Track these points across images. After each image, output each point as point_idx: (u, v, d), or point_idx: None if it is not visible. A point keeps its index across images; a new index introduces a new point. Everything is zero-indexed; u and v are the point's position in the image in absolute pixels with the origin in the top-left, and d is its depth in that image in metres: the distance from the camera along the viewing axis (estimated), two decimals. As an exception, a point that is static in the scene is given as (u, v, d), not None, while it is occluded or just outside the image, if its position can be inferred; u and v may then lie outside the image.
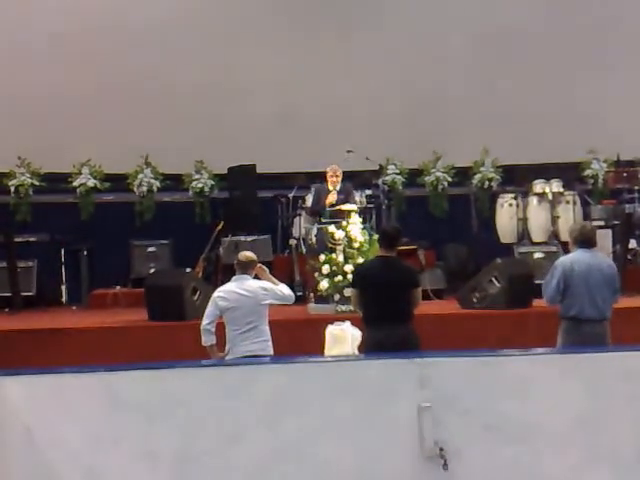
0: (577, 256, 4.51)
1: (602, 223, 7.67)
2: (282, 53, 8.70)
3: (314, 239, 6.61)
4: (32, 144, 8.26)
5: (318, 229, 6.60)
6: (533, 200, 7.86)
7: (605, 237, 7.77)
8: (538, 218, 7.80)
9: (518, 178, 8.29)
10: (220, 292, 4.71)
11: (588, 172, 8.81)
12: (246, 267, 4.67)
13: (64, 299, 7.92)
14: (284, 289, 4.72)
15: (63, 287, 7.91)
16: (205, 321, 4.64)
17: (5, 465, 3.41)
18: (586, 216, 7.84)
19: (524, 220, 7.85)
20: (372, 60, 8.75)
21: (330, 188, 6.94)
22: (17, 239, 7.67)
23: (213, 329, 4.63)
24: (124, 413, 3.50)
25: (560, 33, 8.78)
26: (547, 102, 8.65)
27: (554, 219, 7.75)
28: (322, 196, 7.01)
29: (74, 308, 7.64)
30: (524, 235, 7.88)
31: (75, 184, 8.47)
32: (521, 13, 8.79)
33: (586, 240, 4.55)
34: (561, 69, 8.72)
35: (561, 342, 4.47)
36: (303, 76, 8.71)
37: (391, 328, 4.31)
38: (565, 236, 7.65)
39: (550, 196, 7.75)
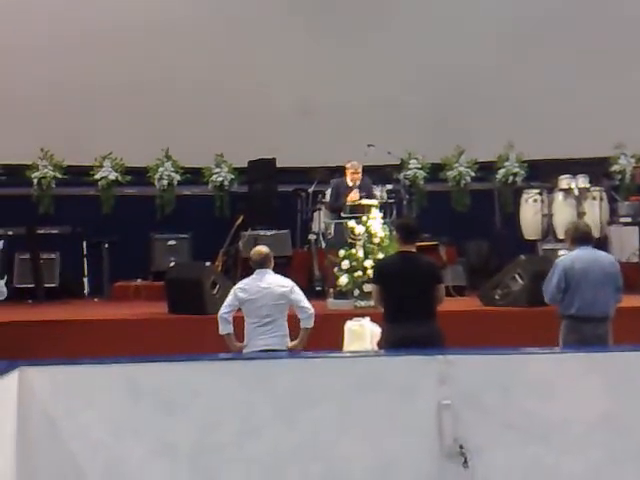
0: (577, 254, 4.44)
1: (629, 220, 7.54)
2: (301, 46, 8.66)
3: (334, 234, 6.57)
4: (54, 137, 8.31)
5: (338, 224, 6.56)
6: (559, 196, 7.74)
7: (631, 234, 7.64)
8: (563, 214, 7.67)
9: (543, 173, 8.17)
10: (241, 284, 4.71)
11: (615, 167, 8.65)
12: (262, 262, 4.65)
13: (86, 291, 7.98)
14: (309, 309, 4.61)
15: (85, 279, 7.97)
16: (223, 310, 4.63)
17: (29, 454, 3.44)
18: (613, 212, 7.71)
19: (549, 216, 7.74)
20: (393, 52, 8.66)
21: (350, 184, 6.89)
22: (40, 231, 7.74)
23: (230, 318, 4.61)
24: (144, 405, 3.51)
25: (588, 27, 8.61)
26: (574, 96, 8.49)
27: (580, 215, 7.61)
28: (341, 192, 6.96)
29: (96, 300, 7.69)
30: (549, 232, 7.77)
31: (97, 177, 8.52)
32: (549, 4, 8.65)
33: (583, 237, 4.48)
34: (589, 63, 8.56)
35: (562, 341, 4.40)
36: (323, 69, 8.65)
37: (413, 325, 4.26)
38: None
39: (576, 192, 7.62)
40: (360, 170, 6.90)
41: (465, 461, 3.47)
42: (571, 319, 4.37)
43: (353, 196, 6.72)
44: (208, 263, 6.62)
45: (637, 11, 8.62)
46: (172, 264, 7.46)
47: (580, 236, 4.47)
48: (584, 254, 4.42)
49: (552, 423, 3.55)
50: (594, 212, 7.57)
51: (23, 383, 3.46)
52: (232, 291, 4.69)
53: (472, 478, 3.51)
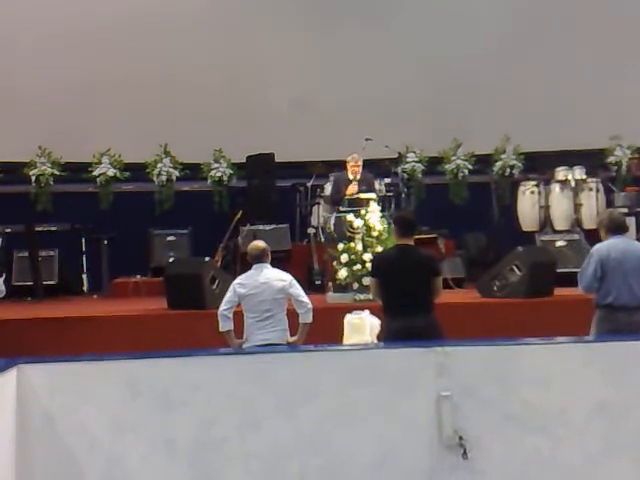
0: (612, 243, 4.46)
1: (626, 210, 7.55)
2: (299, 40, 8.65)
3: (333, 228, 6.59)
4: (52, 134, 8.32)
5: (337, 218, 6.57)
6: (555, 187, 7.76)
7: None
8: (560, 206, 7.70)
9: (540, 165, 8.18)
10: (239, 279, 4.72)
11: (611, 159, 8.68)
12: (260, 257, 4.67)
13: (85, 288, 8.00)
14: (308, 303, 4.64)
15: (84, 276, 7.99)
16: (223, 307, 4.65)
17: (28, 451, 3.45)
18: (609, 203, 7.74)
19: (546, 208, 7.77)
20: (391, 46, 8.66)
21: (350, 177, 6.90)
22: (38, 228, 7.75)
23: (230, 315, 4.63)
24: (143, 400, 3.52)
25: (585, 19, 8.60)
26: (569, 88, 8.50)
27: (577, 207, 7.64)
28: (342, 185, 6.97)
29: (95, 297, 7.71)
30: (546, 223, 7.80)
31: (95, 173, 8.53)
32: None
33: (617, 226, 4.51)
34: (585, 55, 8.55)
35: (595, 330, 4.41)
36: (321, 64, 8.65)
37: (411, 318, 4.27)
38: (588, 224, 7.57)
39: (573, 183, 7.65)
40: (360, 163, 6.91)
41: (464, 452, 3.48)
42: (606, 308, 4.39)
43: (352, 188, 6.73)
44: (207, 258, 6.63)
45: (634, 6, 8.60)
46: (171, 260, 7.47)
47: (615, 226, 4.51)
48: (619, 242, 4.45)
49: (551, 413, 3.56)
50: (591, 203, 7.59)
51: (22, 380, 3.46)
52: (231, 287, 4.71)
53: (471, 469, 3.52)
